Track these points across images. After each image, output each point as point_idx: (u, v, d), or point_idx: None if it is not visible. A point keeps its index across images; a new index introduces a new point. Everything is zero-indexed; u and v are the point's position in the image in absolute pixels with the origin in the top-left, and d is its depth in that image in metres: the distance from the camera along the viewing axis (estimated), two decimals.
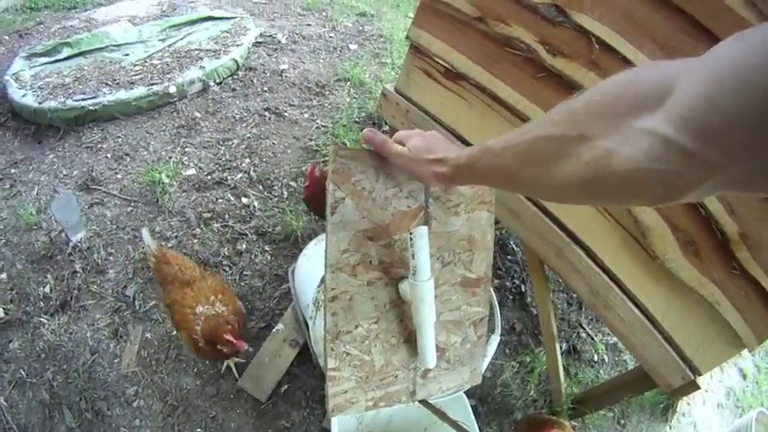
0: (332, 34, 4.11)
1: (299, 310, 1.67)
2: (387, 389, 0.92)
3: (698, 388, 1.39)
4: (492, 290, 1.51)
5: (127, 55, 3.35)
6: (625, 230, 1.26)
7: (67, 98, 2.86)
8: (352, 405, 0.90)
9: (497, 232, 2.29)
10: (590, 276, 1.34)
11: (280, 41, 3.79)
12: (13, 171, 2.57)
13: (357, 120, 2.96)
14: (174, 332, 1.71)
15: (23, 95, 2.90)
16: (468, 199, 0.93)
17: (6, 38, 3.86)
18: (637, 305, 1.37)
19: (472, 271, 0.96)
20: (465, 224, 0.93)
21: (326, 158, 2.56)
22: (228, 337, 1.29)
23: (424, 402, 1.02)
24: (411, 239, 0.79)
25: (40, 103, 2.83)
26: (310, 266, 1.61)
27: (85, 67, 3.19)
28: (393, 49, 3.83)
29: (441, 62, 1.47)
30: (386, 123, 2.21)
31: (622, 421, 2.07)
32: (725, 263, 1.21)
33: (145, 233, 1.69)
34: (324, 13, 4.55)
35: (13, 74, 3.13)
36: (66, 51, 3.36)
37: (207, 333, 1.28)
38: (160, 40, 3.54)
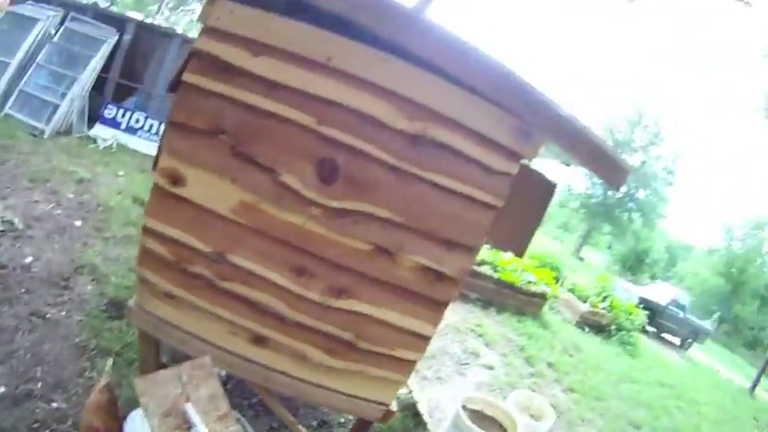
0: (58, 211, 4.65)
1: None
2: None
3: (394, 412, 2.61)
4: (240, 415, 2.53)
5: None
6: (295, 356, 2.44)
7: None
8: None
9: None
10: (289, 384, 2.48)
11: (18, 228, 4.18)
12: None
13: (104, 308, 3.65)
14: None
15: None
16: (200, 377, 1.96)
17: None
18: (325, 388, 2.55)
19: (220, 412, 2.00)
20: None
21: (97, 351, 3.21)
22: None
23: None
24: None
25: None
26: None
27: None
28: (112, 221, 4.63)
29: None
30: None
31: None
32: (354, 352, 2.39)
33: None
34: (47, 185, 5.06)
35: None
36: None
37: None
38: None
